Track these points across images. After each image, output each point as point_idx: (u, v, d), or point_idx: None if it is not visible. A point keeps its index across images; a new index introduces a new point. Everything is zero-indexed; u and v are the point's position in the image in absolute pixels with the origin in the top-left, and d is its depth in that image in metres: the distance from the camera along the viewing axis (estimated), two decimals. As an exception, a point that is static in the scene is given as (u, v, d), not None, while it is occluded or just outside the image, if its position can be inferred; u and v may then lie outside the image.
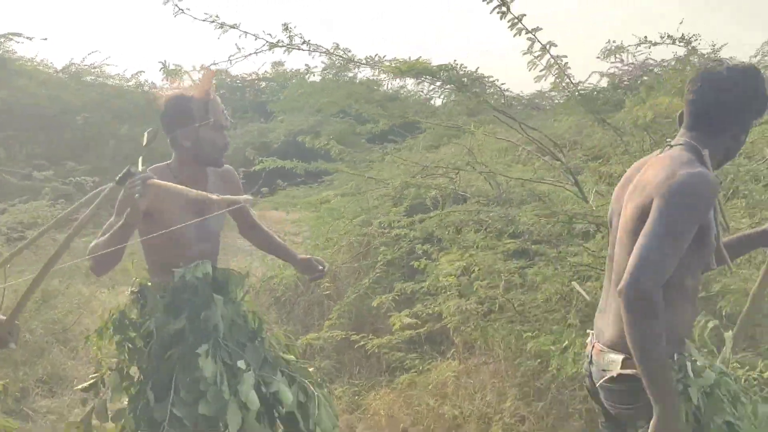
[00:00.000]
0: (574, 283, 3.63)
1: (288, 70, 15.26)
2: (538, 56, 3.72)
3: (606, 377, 1.87)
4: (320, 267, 2.77)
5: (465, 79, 3.94)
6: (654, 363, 1.68)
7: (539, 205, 3.96)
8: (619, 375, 1.83)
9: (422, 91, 10.79)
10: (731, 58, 2.00)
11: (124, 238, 2.24)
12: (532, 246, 4.19)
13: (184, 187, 2.15)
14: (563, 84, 3.74)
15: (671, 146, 1.92)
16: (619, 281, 1.73)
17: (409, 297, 4.42)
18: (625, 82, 11.68)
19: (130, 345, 2.39)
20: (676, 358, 1.83)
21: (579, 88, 3.85)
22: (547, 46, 3.70)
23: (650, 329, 1.66)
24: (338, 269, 5.32)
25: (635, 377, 1.76)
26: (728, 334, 2.24)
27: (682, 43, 11.07)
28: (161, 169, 2.46)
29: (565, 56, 3.69)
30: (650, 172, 1.86)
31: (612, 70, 12.52)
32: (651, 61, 12.38)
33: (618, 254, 1.89)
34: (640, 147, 3.71)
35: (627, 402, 1.85)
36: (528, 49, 3.71)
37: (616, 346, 1.87)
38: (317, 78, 7.12)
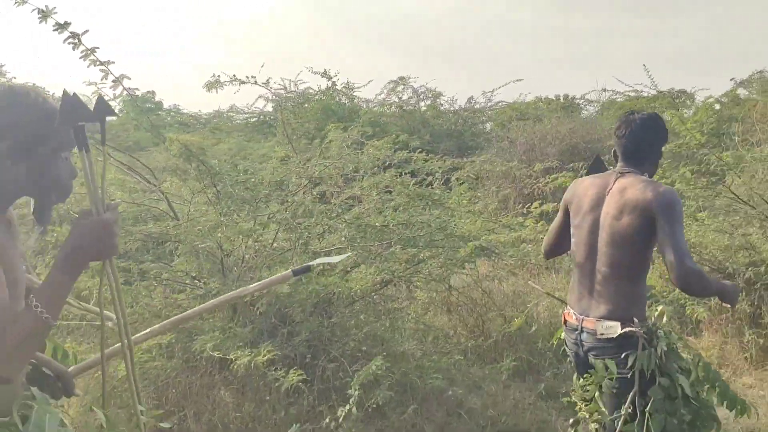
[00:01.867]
0: (530, 282, 4.02)
1: None
2: (111, 87, 4.03)
3: (607, 336, 2.60)
4: None
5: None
6: (714, 292, 2.63)
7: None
8: (617, 336, 2.56)
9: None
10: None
11: None
12: (122, 264, 4.47)
13: None
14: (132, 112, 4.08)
15: (623, 174, 2.71)
16: (611, 270, 2.62)
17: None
18: (286, 109, 12.81)
19: None
20: (651, 322, 2.64)
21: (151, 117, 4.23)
22: (120, 78, 4.03)
23: (705, 283, 2.54)
24: None
25: (624, 336, 2.56)
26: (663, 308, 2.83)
27: (325, 77, 12.08)
28: None
29: (137, 88, 4.06)
30: (631, 193, 2.62)
31: (276, 97, 13.58)
32: (312, 90, 13.81)
33: (612, 253, 2.63)
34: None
35: (614, 353, 2.59)
36: (101, 80, 4.00)
37: (612, 316, 2.62)
38: None
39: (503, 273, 5.10)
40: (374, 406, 3.80)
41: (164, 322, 1.92)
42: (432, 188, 4.80)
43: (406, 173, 4.85)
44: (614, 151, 2.83)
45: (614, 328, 2.59)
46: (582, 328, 2.70)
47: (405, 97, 13.66)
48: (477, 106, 13.98)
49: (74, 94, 1.50)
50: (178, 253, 4.56)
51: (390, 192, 4.82)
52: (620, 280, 2.63)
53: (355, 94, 13.50)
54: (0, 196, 1.59)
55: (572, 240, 2.82)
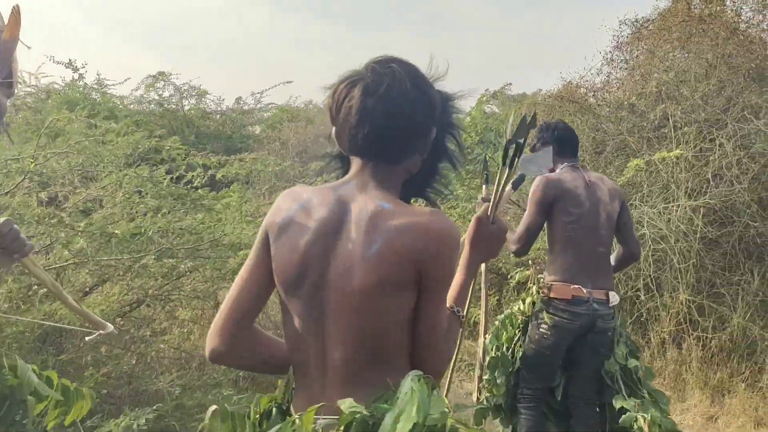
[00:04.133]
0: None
1: None
2: None
3: (614, 303, 3.10)
4: None
5: None
6: None
7: None
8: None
9: None
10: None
11: None
12: None
13: None
14: None
15: (584, 168, 3.30)
16: (605, 249, 3.14)
17: None
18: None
19: None
20: None
21: None
22: None
23: None
24: None
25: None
26: None
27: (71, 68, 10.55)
28: None
29: None
30: (608, 183, 3.25)
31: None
32: (57, 85, 11.99)
33: (606, 234, 3.13)
34: None
35: (612, 317, 3.12)
36: None
37: (612, 287, 3.15)
38: None
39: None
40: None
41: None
42: (193, 187, 4.02)
43: (161, 170, 4.01)
44: (552, 148, 2.91)
45: (617, 297, 3.17)
46: (593, 299, 3.05)
47: (166, 95, 12.42)
48: (246, 107, 13.22)
49: (525, 115, 1.42)
50: None
51: (140, 193, 3.96)
52: (607, 256, 3.16)
53: (109, 91, 11.98)
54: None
55: (570, 226, 3.09)
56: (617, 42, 6.50)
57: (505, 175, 1.44)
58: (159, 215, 3.58)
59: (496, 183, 1.47)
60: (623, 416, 2.94)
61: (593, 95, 6.22)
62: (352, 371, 1.29)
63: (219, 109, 13.02)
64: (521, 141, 1.39)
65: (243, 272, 1.38)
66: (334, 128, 1.38)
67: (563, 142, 3.21)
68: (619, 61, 6.47)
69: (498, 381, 3.24)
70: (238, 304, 1.36)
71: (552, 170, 3.21)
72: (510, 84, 14.29)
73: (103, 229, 3.53)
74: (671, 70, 6.00)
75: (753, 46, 5.80)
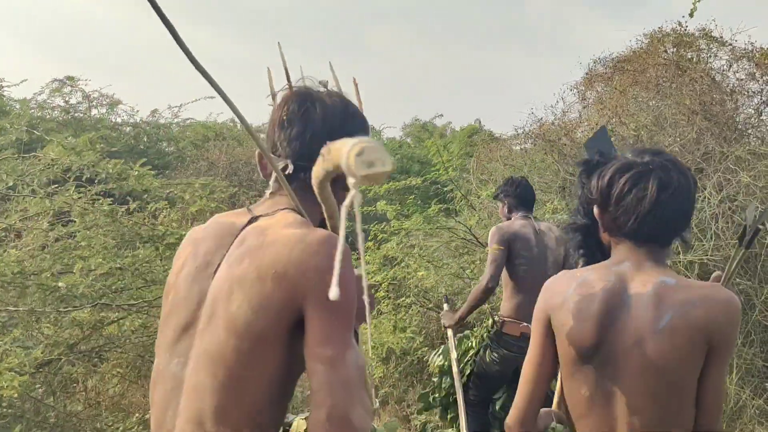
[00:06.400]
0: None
1: None
2: None
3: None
4: None
5: None
6: None
7: None
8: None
9: None
10: None
11: None
12: None
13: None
14: None
15: (536, 218, 3.80)
16: None
17: None
18: None
19: None
20: None
21: None
22: None
23: None
24: None
25: None
26: None
27: None
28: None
29: None
30: (555, 231, 3.69)
31: None
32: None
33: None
34: None
35: None
36: None
37: None
38: None
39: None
40: None
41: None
42: (153, 220, 3.14)
43: (98, 195, 3.13)
44: (512, 200, 3.67)
45: None
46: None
47: (74, 101, 11.25)
48: (162, 120, 12.19)
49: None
50: None
51: (65, 219, 3.11)
52: None
53: (3, 93, 10.67)
54: None
55: (521, 268, 3.46)
56: (590, 80, 6.20)
57: (740, 255, 1.62)
58: (107, 255, 2.74)
59: (731, 261, 1.63)
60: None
61: (565, 134, 5.86)
62: None
63: (131, 120, 11.96)
64: (761, 227, 1.57)
65: (535, 366, 1.51)
66: (596, 208, 1.50)
67: (521, 198, 3.66)
68: (590, 100, 6.17)
69: (443, 385, 3.82)
70: (537, 395, 1.51)
71: (509, 218, 3.66)
72: (441, 115, 14.15)
73: (17, 270, 2.65)
74: (648, 114, 5.74)
75: (732, 95, 5.64)
